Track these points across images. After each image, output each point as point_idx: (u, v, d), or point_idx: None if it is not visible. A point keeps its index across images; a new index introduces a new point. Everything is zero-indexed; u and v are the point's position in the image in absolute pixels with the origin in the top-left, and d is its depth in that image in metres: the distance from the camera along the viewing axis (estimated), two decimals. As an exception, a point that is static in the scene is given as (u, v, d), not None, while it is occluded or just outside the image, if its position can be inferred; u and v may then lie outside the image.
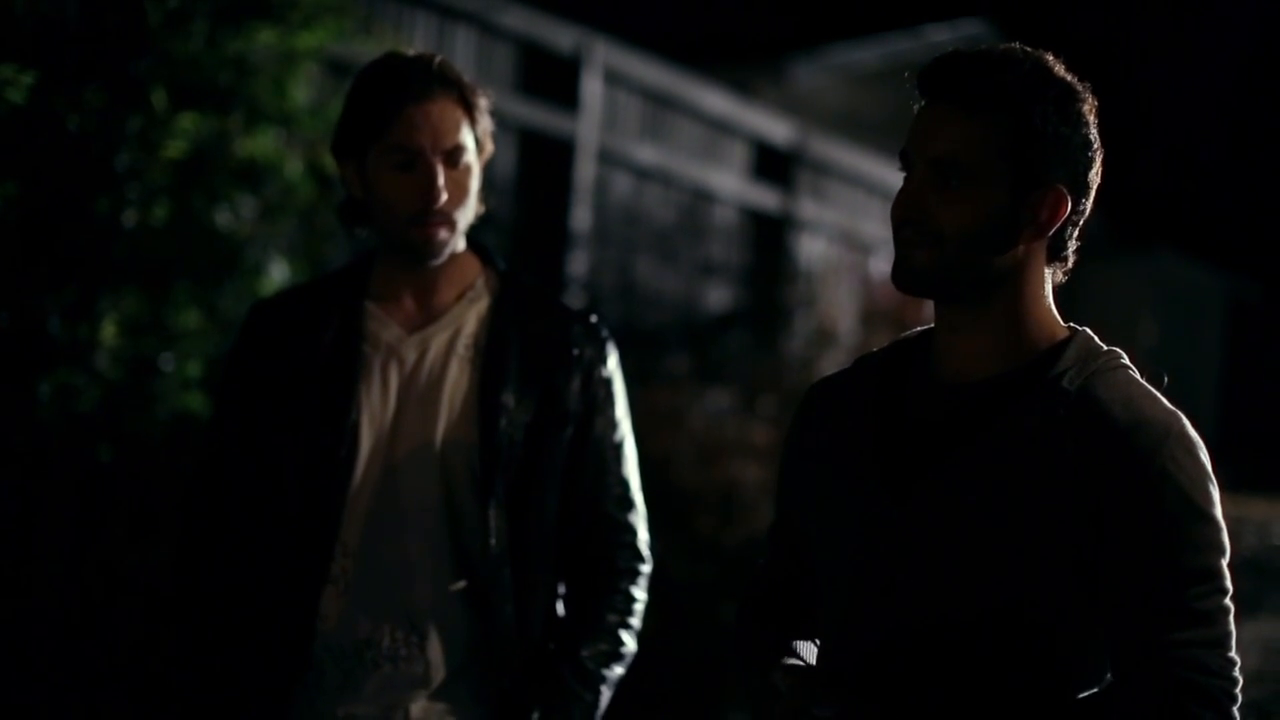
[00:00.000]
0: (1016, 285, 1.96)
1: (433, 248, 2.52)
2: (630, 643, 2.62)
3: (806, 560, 2.14)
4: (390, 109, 2.47)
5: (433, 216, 2.49)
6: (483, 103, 2.55)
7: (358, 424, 2.51)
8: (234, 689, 2.53)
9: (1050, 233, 1.95)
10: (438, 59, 2.53)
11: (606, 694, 2.59)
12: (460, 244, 2.60)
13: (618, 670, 2.60)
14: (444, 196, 2.48)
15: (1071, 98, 1.94)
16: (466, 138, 2.51)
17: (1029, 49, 1.96)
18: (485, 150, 2.57)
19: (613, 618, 2.61)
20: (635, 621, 2.63)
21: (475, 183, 2.54)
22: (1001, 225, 1.92)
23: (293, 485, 2.51)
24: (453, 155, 2.49)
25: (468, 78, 2.56)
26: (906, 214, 1.94)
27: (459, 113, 2.50)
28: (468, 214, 2.54)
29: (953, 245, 1.91)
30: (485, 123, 2.56)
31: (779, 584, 2.21)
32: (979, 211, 1.91)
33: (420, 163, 2.47)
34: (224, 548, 2.56)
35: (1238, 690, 1.87)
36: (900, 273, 1.96)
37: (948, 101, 1.92)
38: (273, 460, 2.52)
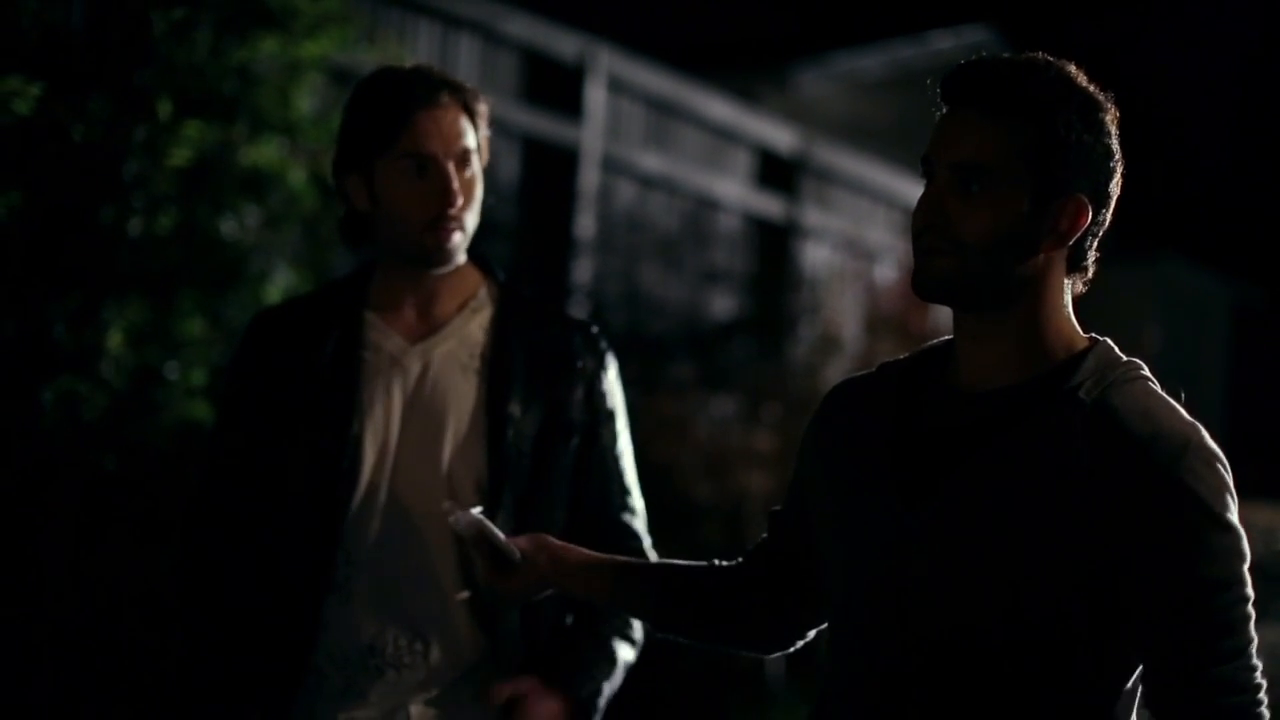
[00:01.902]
0: (1036, 294, 1.95)
1: (445, 253, 2.53)
2: (639, 630, 2.64)
3: (806, 550, 2.15)
4: (400, 117, 2.47)
5: (448, 221, 2.49)
6: (483, 109, 2.56)
7: (360, 434, 2.51)
8: (236, 695, 2.53)
9: (1071, 242, 1.95)
10: (435, 70, 2.54)
11: (619, 673, 2.60)
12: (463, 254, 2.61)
13: (629, 653, 2.62)
14: (459, 200, 2.48)
15: (1094, 107, 1.94)
16: (473, 143, 2.52)
17: (1052, 59, 1.96)
18: (484, 157, 2.58)
19: None
20: None
21: (480, 188, 2.55)
22: (1022, 233, 1.91)
23: (295, 494, 2.51)
24: (463, 160, 2.50)
25: (469, 85, 2.58)
26: (928, 220, 1.93)
27: (465, 118, 2.51)
28: (475, 219, 2.55)
29: (973, 252, 1.91)
30: (485, 129, 2.57)
31: (768, 558, 2.23)
32: (1000, 218, 1.90)
33: (434, 168, 2.48)
34: (226, 556, 2.56)
35: (1263, 694, 1.87)
36: (921, 280, 1.95)
37: (971, 107, 1.91)
38: (275, 469, 2.53)
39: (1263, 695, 1.87)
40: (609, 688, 2.60)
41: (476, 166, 2.53)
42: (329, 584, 2.50)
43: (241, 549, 2.55)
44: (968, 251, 1.91)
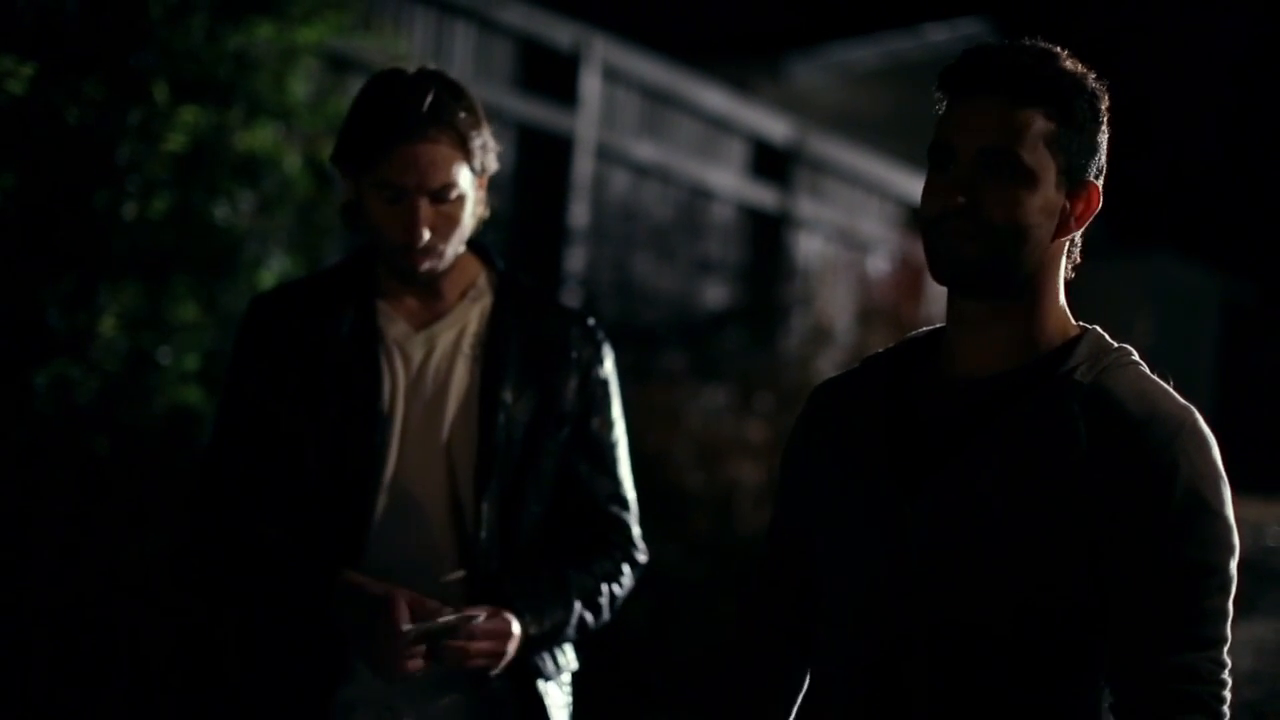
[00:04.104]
0: (1043, 281, 1.96)
1: (419, 276, 2.54)
2: (608, 596, 2.61)
3: (809, 559, 2.14)
4: (381, 145, 2.46)
5: (416, 252, 2.49)
6: (479, 139, 2.51)
7: (385, 413, 2.52)
8: (276, 680, 2.53)
9: (1080, 229, 1.97)
10: (430, 96, 2.48)
11: (575, 621, 2.57)
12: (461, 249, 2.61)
13: (590, 610, 2.59)
14: (426, 236, 2.48)
15: (1099, 97, 1.96)
16: (458, 174, 2.48)
17: (1056, 47, 1.97)
18: (488, 171, 2.56)
19: (605, 565, 2.63)
20: (618, 589, 2.64)
21: (468, 211, 2.52)
22: (1048, 219, 1.92)
23: (320, 475, 2.51)
24: (441, 193, 2.48)
25: (465, 109, 2.50)
26: (951, 204, 1.91)
27: (450, 151, 2.48)
28: (460, 238, 2.54)
29: (1003, 238, 1.90)
30: (485, 148, 2.53)
31: (781, 582, 2.20)
32: (1032, 204, 1.90)
33: (406, 201, 2.47)
34: (241, 532, 2.54)
35: (1226, 692, 1.87)
36: (946, 265, 1.94)
37: (995, 93, 1.91)
38: (296, 451, 2.52)
39: (1226, 694, 1.86)
40: (566, 632, 2.56)
41: (465, 191, 2.50)
42: (360, 556, 2.50)
43: (261, 530, 2.53)
44: (998, 236, 1.90)
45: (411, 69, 2.60)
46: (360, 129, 2.51)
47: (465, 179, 2.50)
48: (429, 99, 2.48)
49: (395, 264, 2.54)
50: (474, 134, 2.51)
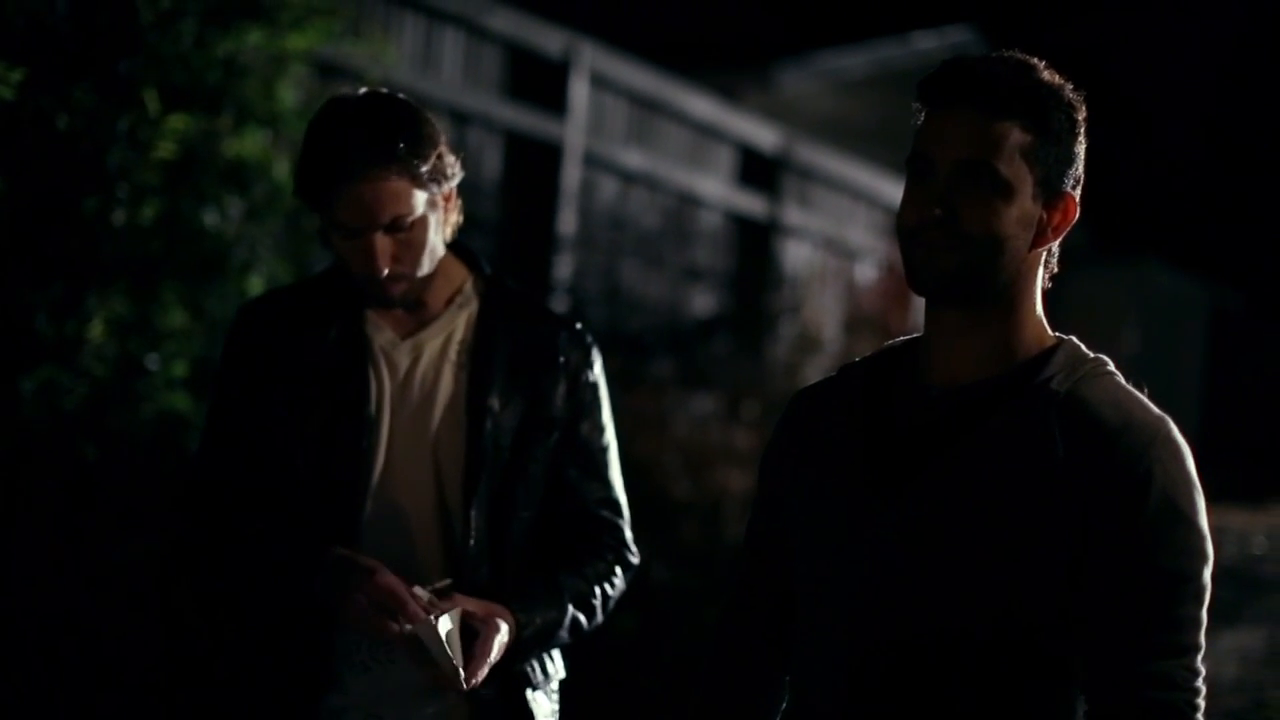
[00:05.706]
0: (1020, 290, 1.98)
1: (391, 302, 2.55)
2: (601, 597, 2.62)
3: (787, 567, 2.15)
4: (329, 187, 2.44)
5: (383, 282, 2.49)
6: (426, 164, 2.46)
7: (372, 418, 2.52)
8: (263, 687, 2.53)
9: (1058, 239, 1.98)
10: (366, 133, 2.43)
11: (567, 623, 2.57)
12: (443, 254, 2.60)
13: (580, 614, 2.59)
14: (386, 270, 2.47)
15: (1076, 108, 1.97)
16: (410, 203, 2.45)
17: (1033, 59, 1.98)
18: (449, 184, 2.52)
19: (598, 567, 2.63)
20: (611, 590, 2.64)
21: (432, 230, 2.50)
22: (1025, 229, 1.94)
23: (307, 482, 2.51)
24: (395, 224, 2.45)
25: (407, 137, 2.45)
26: (928, 215, 1.93)
27: (397, 183, 2.43)
28: (430, 256, 2.52)
29: (981, 248, 1.92)
30: (440, 167, 2.49)
31: (760, 592, 2.21)
32: (1009, 216, 1.92)
33: (361, 238, 2.46)
34: (237, 542, 2.54)
35: (1201, 699, 1.88)
36: (924, 276, 1.95)
37: (973, 105, 1.92)
38: (284, 458, 2.52)
39: (1200, 701, 1.88)
40: (558, 634, 2.56)
41: (424, 215, 2.47)
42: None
43: (251, 535, 2.53)
44: (975, 247, 1.92)
45: (389, 84, 2.59)
46: (306, 172, 2.48)
47: (420, 203, 2.47)
48: (366, 136, 2.43)
49: (369, 293, 2.54)
50: (419, 161, 2.45)
